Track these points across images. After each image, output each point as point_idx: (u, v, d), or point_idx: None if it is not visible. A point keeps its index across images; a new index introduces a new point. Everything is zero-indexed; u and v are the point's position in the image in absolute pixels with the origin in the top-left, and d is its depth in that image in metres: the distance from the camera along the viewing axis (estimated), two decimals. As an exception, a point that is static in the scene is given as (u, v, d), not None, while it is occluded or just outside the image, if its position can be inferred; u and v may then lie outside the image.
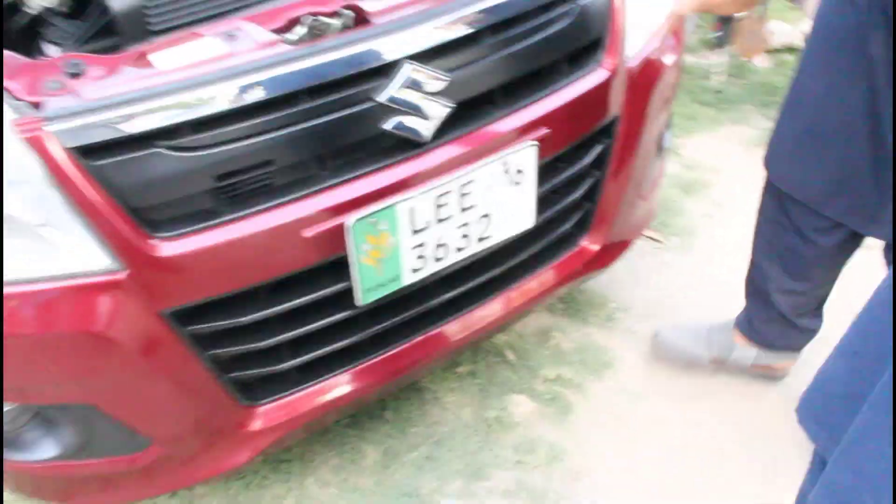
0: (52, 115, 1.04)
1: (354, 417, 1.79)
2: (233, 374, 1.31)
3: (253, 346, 1.29)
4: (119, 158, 1.06)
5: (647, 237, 2.30)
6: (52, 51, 1.37)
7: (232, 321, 1.23)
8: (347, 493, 1.66)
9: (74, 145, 1.04)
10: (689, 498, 1.64)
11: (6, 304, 1.09)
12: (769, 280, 1.70)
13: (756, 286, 1.75)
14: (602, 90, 1.50)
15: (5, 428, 1.29)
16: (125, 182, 1.07)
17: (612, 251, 1.78)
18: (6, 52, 1.16)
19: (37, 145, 1.03)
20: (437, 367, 1.88)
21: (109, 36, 1.38)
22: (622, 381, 1.89)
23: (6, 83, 1.07)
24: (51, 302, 1.11)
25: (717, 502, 1.63)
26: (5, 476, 1.42)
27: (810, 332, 1.78)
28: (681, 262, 2.24)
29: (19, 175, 1.04)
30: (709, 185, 2.54)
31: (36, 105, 1.05)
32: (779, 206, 1.62)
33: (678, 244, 2.30)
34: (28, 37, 1.41)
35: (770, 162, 1.63)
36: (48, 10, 1.51)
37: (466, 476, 1.68)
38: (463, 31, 1.27)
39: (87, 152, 1.05)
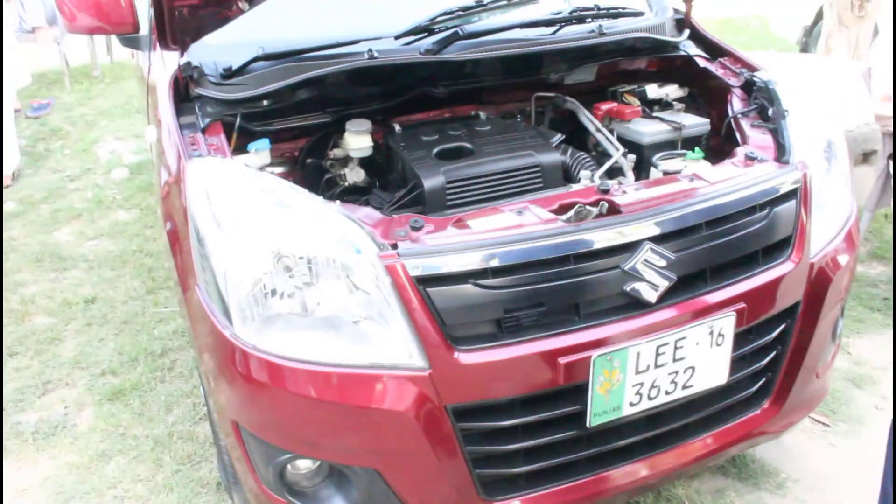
0: (404, 252, 1.51)
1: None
2: (480, 471, 1.65)
3: (500, 448, 1.64)
4: (443, 287, 1.50)
5: (816, 420, 2.50)
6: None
7: (492, 424, 1.60)
8: None
9: (415, 275, 1.49)
10: None
11: (345, 380, 1.52)
12: None
13: None
14: (788, 279, 1.83)
15: (306, 483, 1.68)
16: (444, 305, 1.51)
17: (787, 419, 2.03)
18: (370, 209, 1.66)
19: (391, 271, 1.49)
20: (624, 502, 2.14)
21: (415, 206, 1.88)
22: (793, 543, 2.06)
23: (372, 231, 1.56)
24: (372, 383, 1.52)
25: None
26: None
27: None
28: (848, 447, 2.42)
29: (376, 288, 1.50)
30: (877, 381, 2.73)
31: (394, 245, 1.52)
32: None
33: (846, 430, 2.49)
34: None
35: None
36: (370, 182, 2.07)
37: None
38: (687, 223, 1.68)
39: (422, 280, 1.50)
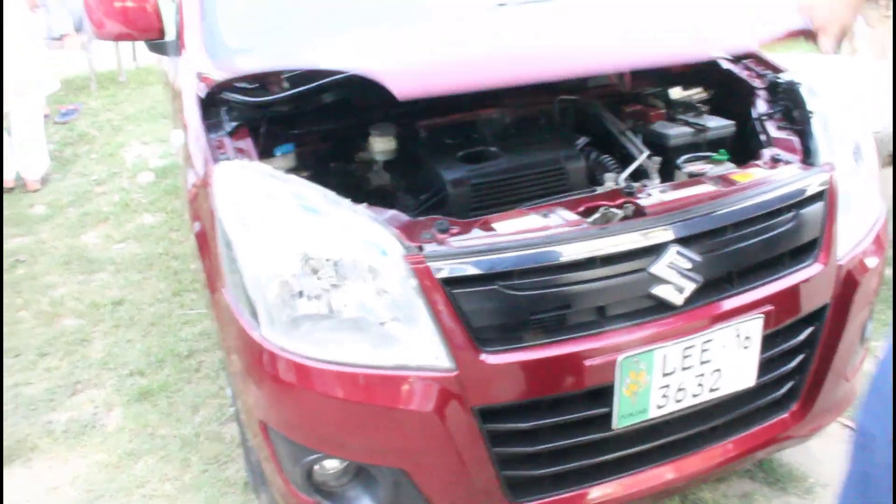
0: (430, 254, 1.52)
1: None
2: (506, 472, 1.66)
3: (526, 449, 1.64)
4: (469, 289, 1.51)
5: (845, 425, 2.48)
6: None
7: (518, 425, 1.61)
8: None
9: (441, 277, 1.50)
10: None
11: (372, 381, 1.53)
12: None
13: None
14: (816, 281, 1.82)
15: (333, 483, 1.70)
16: (470, 306, 1.51)
17: (815, 423, 2.02)
18: (396, 212, 1.67)
19: (418, 273, 1.50)
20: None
21: (440, 209, 1.89)
22: (821, 547, 2.05)
23: (398, 233, 1.57)
24: (399, 384, 1.54)
25: None
26: None
27: None
28: (877, 452, 2.39)
29: (402, 290, 1.51)
30: (905, 384, 2.69)
31: (420, 247, 1.53)
32: None
33: (874, 434, 2.46)
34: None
35: None
36: (395, 185, 2.08)
37: None
38: (713, 226, 1.68)
39: (448, 282, 1.51)
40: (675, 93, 2.37)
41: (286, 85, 2.00)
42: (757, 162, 1.92)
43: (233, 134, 1.95)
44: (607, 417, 1.64)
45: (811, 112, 2.03)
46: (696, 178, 1.87)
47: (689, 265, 1.62)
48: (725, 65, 2.37)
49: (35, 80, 4.63)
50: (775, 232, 1.76)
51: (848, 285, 1.89)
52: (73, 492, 2.37)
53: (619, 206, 1.64)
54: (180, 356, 3.01)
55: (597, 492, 1.73)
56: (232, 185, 1.73)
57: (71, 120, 6.12)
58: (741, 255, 1.72)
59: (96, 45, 6.76)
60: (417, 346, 1.53)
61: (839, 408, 2.11)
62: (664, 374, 1.64)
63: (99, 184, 4.95)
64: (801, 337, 1.86)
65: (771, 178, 1.82)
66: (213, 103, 2.07)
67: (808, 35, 1.75)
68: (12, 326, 3.30)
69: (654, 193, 1.73)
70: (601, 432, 1.66)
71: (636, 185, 1.79)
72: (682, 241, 1.64)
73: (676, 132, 2.19)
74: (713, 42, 2.09)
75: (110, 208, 4.54)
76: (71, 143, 5.68)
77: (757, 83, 2.27)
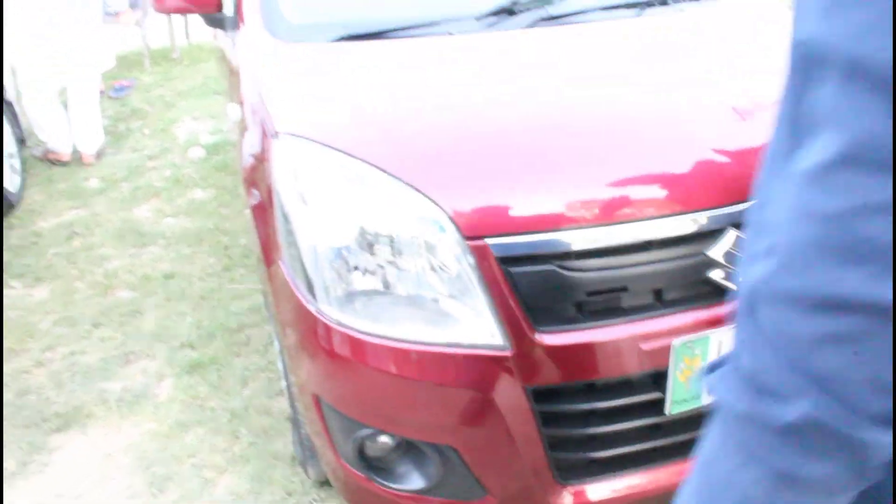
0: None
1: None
2: (557, 454, 1.66)
3: (578, 432, 1.64)
4: (526, 269, 1.51)
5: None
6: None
7: (571, 407, 1.60)
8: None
9: (499, 255, 1.50)
10: None
11: (426, 358, 1.54)
12: None
13: None
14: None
15: (383, 458, 1.71)
16: (527, 286, 1.51)
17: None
18: None
19: (475, 251, 1.50)
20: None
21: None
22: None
23: None
24: (453, 361, 1.54)
25: None
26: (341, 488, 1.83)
27: None
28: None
29: (458, 267, 1.51)
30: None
31: (479, 227, 1.53)
32: None
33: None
34: None
35: None
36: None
37: None
38: (775, 210, 1.64)
39: (505, 261, 1.50)
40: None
41: None
42: None
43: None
44: (660, 403, 1.63)
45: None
46: None
47: (750, 250, 1.60)
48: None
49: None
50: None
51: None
52: (126, 459, 2.43)
53: (680, 190, 1.62)
54: (230, 330, 3.05)
55: (645, 478, 1.72)
56: (291, 159, 1.74)
57: (125, 95, 6.23)
58: None
59: (150, 21, 6.85)
60: (473, 324, 1.53)
61: None
62: (720, 361, 1.62)
63: (151, 158, 5.03)
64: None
65: None
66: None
67: None
68: (69, 296, 3.39)
69: None
70: (653, 418, 1.65)
71: None
72: (742, 225, 1.61)
73: None
74: None
75: (162, 183, 4.61)
76: (124, 119, 5.78)
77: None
